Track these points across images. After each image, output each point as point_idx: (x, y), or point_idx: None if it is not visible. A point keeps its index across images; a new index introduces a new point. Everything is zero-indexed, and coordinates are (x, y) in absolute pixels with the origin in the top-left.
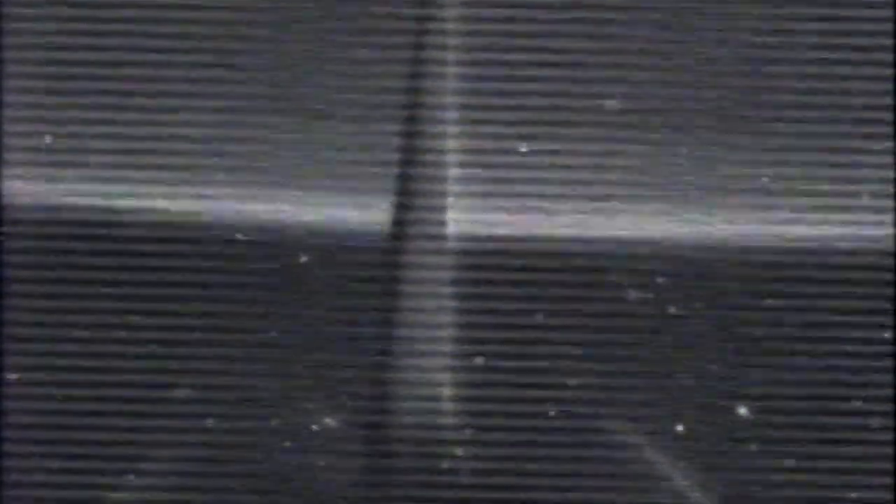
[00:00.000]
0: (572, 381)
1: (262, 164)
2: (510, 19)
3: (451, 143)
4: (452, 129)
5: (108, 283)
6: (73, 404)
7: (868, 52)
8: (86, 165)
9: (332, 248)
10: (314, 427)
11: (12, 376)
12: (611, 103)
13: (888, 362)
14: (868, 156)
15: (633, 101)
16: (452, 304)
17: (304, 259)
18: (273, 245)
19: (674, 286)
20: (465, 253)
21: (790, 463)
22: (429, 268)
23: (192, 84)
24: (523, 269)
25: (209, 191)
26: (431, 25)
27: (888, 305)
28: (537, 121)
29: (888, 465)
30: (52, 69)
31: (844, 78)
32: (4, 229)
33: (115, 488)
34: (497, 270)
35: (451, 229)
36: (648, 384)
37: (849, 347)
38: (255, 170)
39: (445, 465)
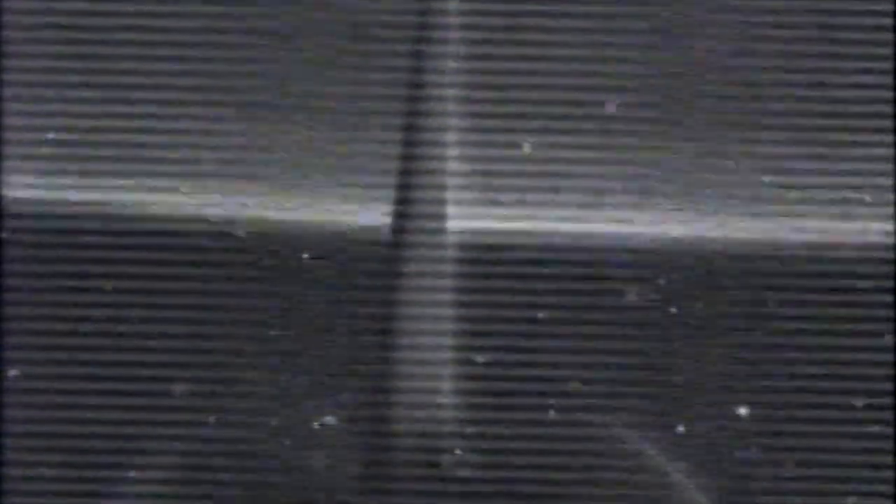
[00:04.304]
0: (573, 381)
1: (263, 163)
2: (511, 21)
3: (451, 144)
4: (453, 130)
5: (108, 279)
6: (73, 402)
7: (868, 54)
8: (87, 163)
9: (334, 246)
10: (315, 425)
11: (13, 372)
12: (611, 105)
13: (888, 363)
14: (868, 157)
15: (634, 103)
16: (453, 303)
17: (305, 257)
18: (275, 243)
19: (675, 286)
20: (466, 252)
21: (790, 463)
22: (430, 267)
23: (194, 84)
24: (524, 269)
25: (210, 189)
26: (432, 27)
27: (888, 306)
28: (538, 122)
29: (888, 466)
30: (52, 68)
31: (845, 79)
32: (4, 225)
33: (115, 485)
34: (498, 270)
35: (451, 228)
36: (649, 384)
37: (849, 348)
38: (256, 169)
39: (445, 463)
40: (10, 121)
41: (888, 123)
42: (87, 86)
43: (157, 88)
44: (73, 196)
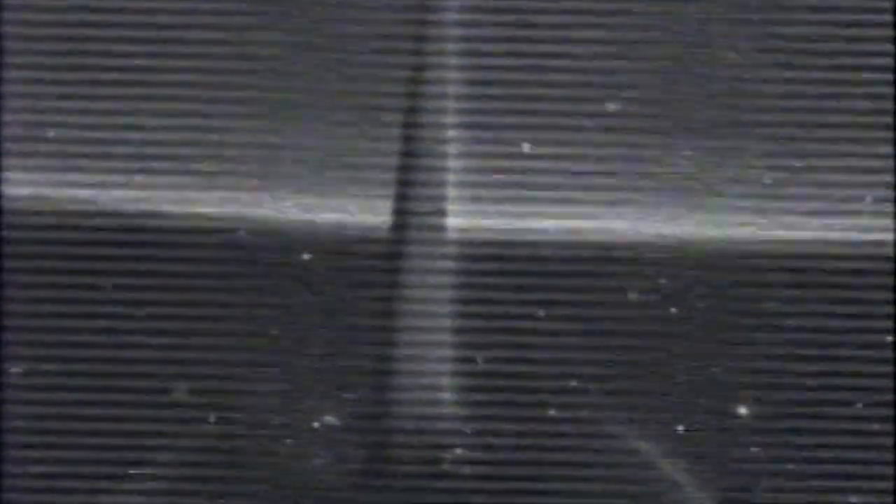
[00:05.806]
0: (573, 381)
1: (264, 162)
2: (511, 20)
3: (451, 143)
4: (453, 129)
5: (109, 279)
6: (73, 401)
7: (869, 54)
8: (87, 163)
9: (334, 246)
10: (315, 425)
11: (14, 370)
12: (612, 104)
13: (888, 363)
14: (868, 157)
15: (635, 103)
16: (453, 302)
17: (306, 257)
18: (275, 243)
19: (675, 286)
20: (466, 252)
21: (790, 463)
22: (430, 266)
23: (194, 84)
24: (524, 268)
25: (211, 188)
26: (432, 26)
27: (889, 306)
28: (538, 121)
29: (888, 466)
30: (52, 67)
31: (845, 79)
32: (4, 224)
33: (116, 485)
34: (497, 270)
35: (451, 228)
36: (648, 384)
37: (849, 348)
38: (257, 168)
39: (445, 463)
40: (10, 120)
41: (888, 123)
42: (87, 85)
43: (158, 88)
44: (73, 196)
